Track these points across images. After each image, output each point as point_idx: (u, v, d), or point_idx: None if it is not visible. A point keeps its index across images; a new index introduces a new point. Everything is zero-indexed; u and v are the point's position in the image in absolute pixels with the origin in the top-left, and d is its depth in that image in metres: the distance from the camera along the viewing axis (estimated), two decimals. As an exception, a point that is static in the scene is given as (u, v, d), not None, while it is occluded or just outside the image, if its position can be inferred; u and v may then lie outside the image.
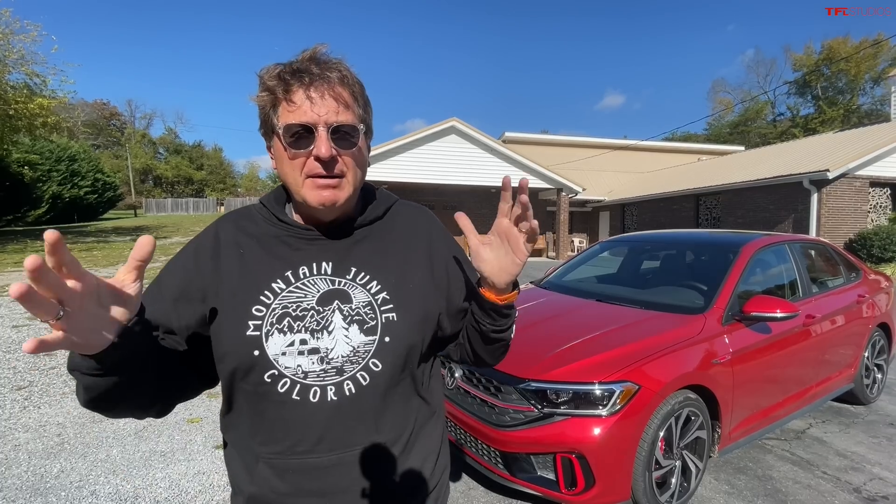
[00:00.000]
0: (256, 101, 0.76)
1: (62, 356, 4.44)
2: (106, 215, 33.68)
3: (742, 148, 25.75)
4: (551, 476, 2.10)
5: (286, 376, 0.74)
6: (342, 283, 0.80)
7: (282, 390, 0.74)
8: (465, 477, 2.58)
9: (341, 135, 0.74)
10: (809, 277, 3.32)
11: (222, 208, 41.62)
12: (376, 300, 0.81)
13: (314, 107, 0.72)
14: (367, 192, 0.92)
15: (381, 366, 0.78)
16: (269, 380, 0.74)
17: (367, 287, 0.81)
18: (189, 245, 0.83)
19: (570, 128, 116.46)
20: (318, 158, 0.72)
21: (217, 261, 0.79)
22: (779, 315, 2.52)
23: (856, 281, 3.67)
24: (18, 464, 2.61)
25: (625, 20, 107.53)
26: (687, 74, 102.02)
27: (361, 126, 0.78)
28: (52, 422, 3.15)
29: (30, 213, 22.78)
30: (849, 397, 3.58)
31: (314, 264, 0.80)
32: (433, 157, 15.14)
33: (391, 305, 0.81)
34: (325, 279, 0.80)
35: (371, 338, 0.78)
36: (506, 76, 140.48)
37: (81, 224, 25.60)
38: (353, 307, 0.79)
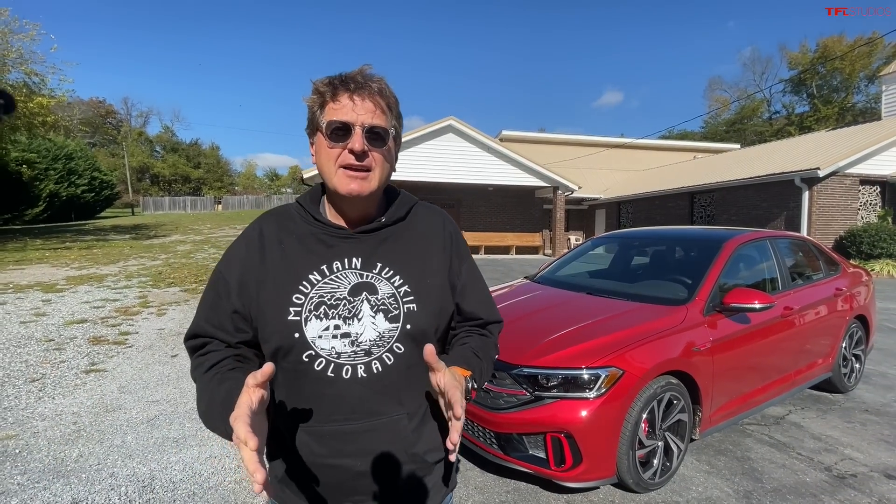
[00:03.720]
0: (308, 102, 0.89)
1: (72, 351, 4.58)
2: (103, 214, 33.67)
3: (738, 146, 25.99)
4: (542, 454, 2.26)
5: (321, 356, 0.86)
6: (370, 277, 0.92)
7: (318, 368, 0.86)
8: (462, 459, 2.74)
9: (374, 135, 0.86)
10: (789, 272, 3.49)
11: (220, 206, 41.62)
12: (399, 292, 0.92)
13: (354, 108, 0.84)
14: (392, 194, 1.04)
15: (403, 349, 0.90)
16: (306, 359, 0.85)
17: (391, 281, 0.93)
18: (240, 239, 0.95)
19: (568, 126, 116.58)
20: (352, 151, 0.84)
21: (263, 253, 0.91)
22: (756, 306, 2.69)
23: (834, 275, 3.85)
24: (39, 449, 2.75)
25: (627, 12, 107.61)
26: (685, 72, 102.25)
27: (392, 130, 0.90)
28: (68, 411, 3.29)
29: (27, 212, 22.81)
30: (827, 385, 3.76)
31: (346, 259, 0.92)
32: (431, 155, 15.30)
33: (412, 297, 0.93)
34: (355, 273, 0.91)
35: (395, 325, 0.90)
36: (503, 75, 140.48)
37: (79, 223, 25.63)
38: (380, 298, 0.91)
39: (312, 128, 0.90)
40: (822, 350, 3.53)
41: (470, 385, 0.88)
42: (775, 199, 12.76)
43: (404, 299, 0.92)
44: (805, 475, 2.61)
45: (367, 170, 0.88)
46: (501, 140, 20.89)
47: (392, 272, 0.93)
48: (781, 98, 43.45)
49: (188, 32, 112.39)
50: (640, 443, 2.34)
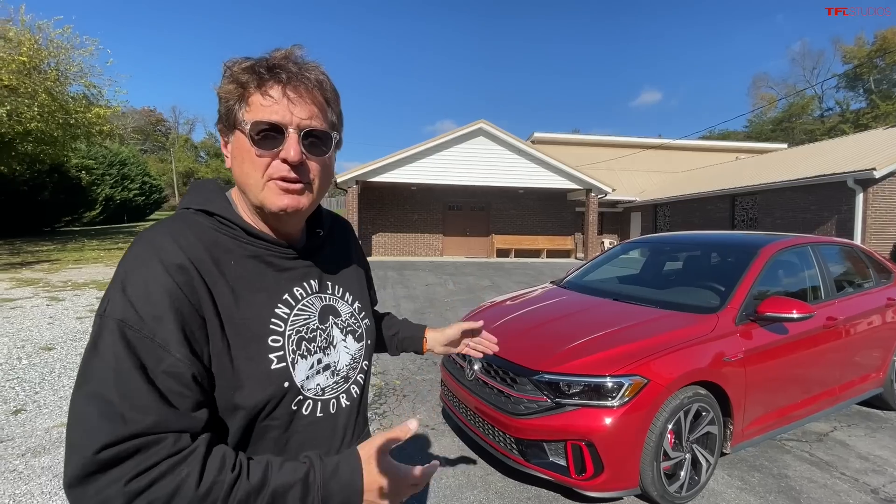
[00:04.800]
0: (220, 93, 0.69)
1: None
2: (153, 216, 35.69)
3: (785, 146, 24.64)
4: (562, 462, 2.24)
5: (309, 398, 0.75)
6: (328, 299, 0.84)
7: (306, 412, 0.75)
8: (483, 463, 2.74)
9: (313, 140, 0.70)
10: (834, 280, 3.30)
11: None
12: (355, 309, 0.89)
13: (288, 106, 0.67)
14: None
15: (367, 366, 0.90)
16: (295, 407, 0.73)
17: (346, 299, 0.87)
18: (153, 269, 0.62)
19: (604, 127, 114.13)
20: (285, 161, 0.67)
21: (205, 286, 0.65)
22: (794, 316, 2.56)
23: (886, 283, 3.60)
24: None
25: (665, 11, 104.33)
26: (727, 69, 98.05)
27: (335, 134, 0.74)
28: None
29: (85, 214, 24.44)
30: (878, 402, 3.52)
31: (305, 284, 0.79)
32: (461, 158, 15.32)
33: (364, 312, 0.91)
34: (316, 297, 0.81)
35: (361, 343, 0.88)
36: (537, 76, 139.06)
37: (131, 224, 27.30)
38: (344, 319, 0.85)
39: (228, 124, 0.70)
40: (872, 364, 3.32)
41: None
42: (825, 201, 12.02)
43: (360, 315, 0.90)
44: (848, 497, 2.46)
45: (304, 182, 0.71)
46: (533, 142, 20.69)
47: (342, 290, 0.87)
48: (835, 94, 41.05)
49: (228, 43, 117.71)
50: (666, 454, 2.27)
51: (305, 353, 0.75)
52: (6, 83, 10.62)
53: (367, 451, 0.67)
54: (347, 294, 0.88)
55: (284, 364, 0.71)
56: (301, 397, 0.74)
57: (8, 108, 10.55)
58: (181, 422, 0.58)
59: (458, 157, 15.32)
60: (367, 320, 0.91)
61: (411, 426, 0.68)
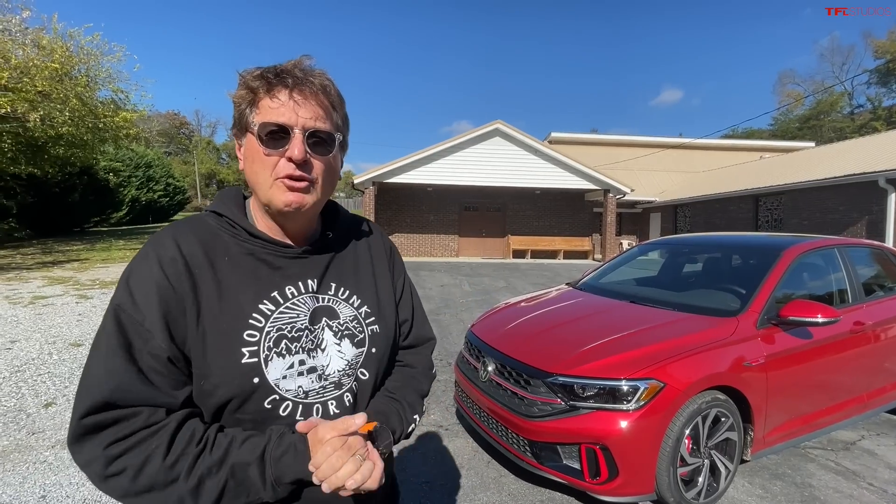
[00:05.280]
0: (234, 99, 0.75)
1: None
2: (176, 217, 36.65)
3: (812, 144, 23.87)
4: (576, 465, 2.22)
5: (287, 399, 0.74)
6: (327, 300, 0.82)
7: (284, 413, 0.74)
8: (496, 465, 2.74)
9: (317, 140, 0.74)
10: (862, 283, 3.18)
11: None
12: (360, 314, 0.85)
13: (294, 108, 0.72)
14: (331, 209, 0.92)
15: (367, 374, 0.84)
16: (269, 406, 0.73)
17: (350, 302, 0.85)
18: (147, 263, 0.71)
19: (623, 126, 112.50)
20: (291, 160, 0.71)
21: (191, 279, 0.71)
22: (819, 320, 2.48)
23: (919, 288, 3.46)
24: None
25: (686, 7, 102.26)
26: (751, 66, 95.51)
27: (338, 135, 0.77)
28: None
29: (113, 215, 25.26)
30: (909, 411, 3.38)
31: (299, 283, 0.79)
32: (477, 159, 15.30)
33: (373, 318, 0.87)
34: (311, 297, 0.80)
35: (361, 349, 0.84)
36: (555, 76, 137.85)
37: (155, 225, 28.10)
38: (342, 322, 0.82)
39: (241, 128, 0.76)
40: (903, 371, 3.18)
41: (374, 439, 0.74)
42: (854, 202, 11.59)
43: (367, 321, 0.86)
44: (875, 508, 2.37)
45: (310, 181, 0.75)
46: (550, 142, 20.53)
47: (349, 292, 0.86)
48: (866, 90, 39.51)
49: (249, 48, 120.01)
50: (683, 460, 2.23)
51: (284, 352, 0.75)
52: (40, 89, 11.05)
53: (316, 436, 0.68)
54: (354, 297, 0.86)
55: (256, 360, 0.72)
56: (276, 396, 0.73)
57: (41, 113, 10.97)
58: (157, 398, 0.66)
59: (474, 157, 15.31)
60: (375, 327, 0.86)
61: (357, 421, 0.67)
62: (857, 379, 2.93)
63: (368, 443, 0.70)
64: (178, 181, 35.12)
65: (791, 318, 2.53)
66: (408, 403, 0.90)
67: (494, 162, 15.38)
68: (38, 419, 3.15)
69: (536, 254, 17.78)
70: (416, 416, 0.91)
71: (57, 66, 11.55)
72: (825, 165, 13.51)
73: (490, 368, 2.69)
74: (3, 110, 10.08)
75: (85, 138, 13.44)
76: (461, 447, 2.96)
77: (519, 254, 17.72)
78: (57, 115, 11.59)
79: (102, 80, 13.99)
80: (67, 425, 3.01)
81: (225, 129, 63.05)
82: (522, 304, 3.46)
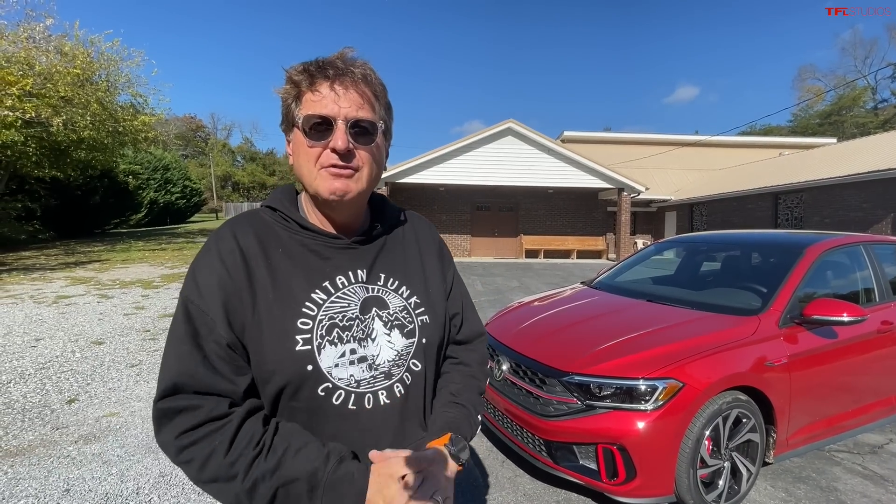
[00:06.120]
0: (280, 94, 0.77)
1: (164, 341, 5.14)
2: (192, 218, 37.33)
3: (833, 140, 23.25)
4: (593, 466, 2.19)
5: (340, 388, 0.75)
6: (377, 290, 0.83)
7: (337, 402, 0.75)
8: (511, 465, 2.72)
9: (360, 130, 0.75)
10: (890, 281, 3.08)
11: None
12: (410, 304, 0.85)
13: (336, 100, 0.73)
14: (379, 202, 0.94)
15: (420, 365, 0.83)
16: (322, 393, 0.74)
17: (399, 292, 0.85)
18: (209, 257, 0.75)
19: (637, 124, 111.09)
20: (334, 150, 0.73)
21: (247, 270, 0.75)
22: (844, 319, 2.41)
23: (950, 286, 3.33)
24: (135, 426, 3.12)
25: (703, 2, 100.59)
26: (769, 61, 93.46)
27: (381, 123, 0.78)
28: (158, 394, 3.70)
29: (132, 217, 25.86)
30: (940, 413, 3.25)
31: (350, 273, 0.81)
32: (489, 158, 15.27)
33: (423, 308, 0.86)
34: (361, 287, 0.81)
35: (411, 340, 0.83)
36: (568, 75, 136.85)
37: (172, 226, 28.66)
38: (392, 312, 0.82)
39: (288, 123, 0.78)
40: (933, 372, 3.07)
41: (451, 450, 0.76)
42: (879, 199, 11.26)
43: (416, 311, 0.86)
44: (905, 513, 2.29)
45: (354, 169, 0.76)
46: (563, 141, 20.37)
47: (398, 283, 0.86)
48: (890, 84, 38.43)
49: (262, 49, 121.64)
50: (703, 462, 2.18)
51: (336, 341, 0.76)
52: (63, 94, 11.36)
53: (386, 470, 0.67)
54: (403, 288, 0.86)
55: (309, 347, 0.74)
56: (329, 385, 0.75)
57: (64, 117, 11.28)
58: (220, 384, 0.69)
59: (486, 157, 15.27)
60: (425, 317, 0.86)
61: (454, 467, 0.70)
62: (885, 380, 2.84)
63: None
64: (194, 183, 35.78)
65: (815, 316, 2.46)
66: (472, 406, 0.90)
67: (507, 161, 15.32)
68: (62, 415, 3.23)
69: (549, 253, 17.67)
70: (479, 417, 0.92)
71: (79, 71, 11.86)
72: (848, 162, 13.15)
73: (504, 367, 2.67)
74: (29, 115, 10.38)
75: (105, 142, 13.78)
76: (475, 446, 2.95)
77: (532, 253, 17.62)
78: (79, 120, 11.90)
79: (122, 84, 14.34)
80: (89, 421, 3.12)
81: (240, 132, 63.94)
82: (536, 303, 3.44)
